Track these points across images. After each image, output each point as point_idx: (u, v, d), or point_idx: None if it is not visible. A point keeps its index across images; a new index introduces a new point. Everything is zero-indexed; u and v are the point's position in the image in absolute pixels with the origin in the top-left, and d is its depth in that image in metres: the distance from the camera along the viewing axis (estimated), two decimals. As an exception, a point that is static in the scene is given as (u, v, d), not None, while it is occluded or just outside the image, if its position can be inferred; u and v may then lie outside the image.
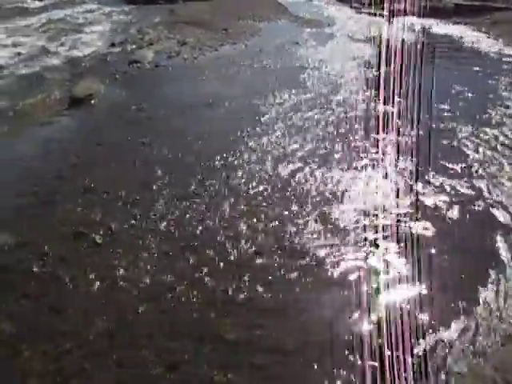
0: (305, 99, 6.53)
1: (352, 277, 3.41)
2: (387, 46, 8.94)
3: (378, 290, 3.30)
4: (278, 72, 7.73)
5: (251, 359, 2.81)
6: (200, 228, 3.93)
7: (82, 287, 3.35)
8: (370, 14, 11.62)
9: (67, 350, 2.88)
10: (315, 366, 2.77)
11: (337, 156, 5.02)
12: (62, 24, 10.76)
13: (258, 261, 3.58)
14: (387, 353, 2.83)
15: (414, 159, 4.92)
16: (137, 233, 3.88)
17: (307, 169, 4.76)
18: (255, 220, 4.01)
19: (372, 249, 3.68)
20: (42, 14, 11.73)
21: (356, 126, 5.65)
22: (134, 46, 8.98)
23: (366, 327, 3.03)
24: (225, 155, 5.01)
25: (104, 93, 6.75)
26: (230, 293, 3.29)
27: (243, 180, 4.58)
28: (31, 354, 2.86)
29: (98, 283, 3.39)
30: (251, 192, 4.40)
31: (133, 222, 4.00)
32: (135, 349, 2.90)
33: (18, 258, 3.59)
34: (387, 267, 3.51)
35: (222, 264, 3.55)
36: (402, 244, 3.72)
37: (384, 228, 3.91)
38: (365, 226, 3.94)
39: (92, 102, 6.46)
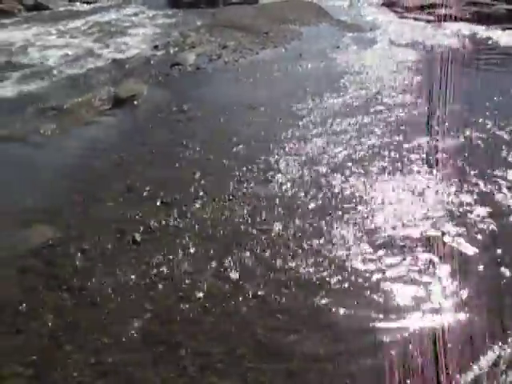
0: (345, 104, 6.44)
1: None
2: (431, 52, 8.71)
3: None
4: (318, 76, 7.67)
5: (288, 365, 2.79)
6: (237, 230, 3.94)
7: (121, 283, 3.43)
8: (415, 19, 11.33)
9: (105, 345, 2.95)
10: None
11: (380, 163, 4.89)
12: (108, 26, 11.09)
13: (294, 264, 3.55)
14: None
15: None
16: (175, 232, 3.93)
17: (347, 174, 4.68)
18: (292, 224, 3.98)
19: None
20: (90, 17, 12.13)
21: (399, 132, 5.52)
22: (176, 49, 9.14)
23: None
24: (263, 158, 5.01)
25: (146, 94, 6.90)
26: (264, 296, 3.27)
27: (281, 184, 4.56)
28: (71, 347, 2.94)
29: (136, 280, 3.45)
30: (289, 195, 4.37)
31: (171, 221, 4.06)
32: (171, 347, 2.92)
33: (62, 253, 3.72)
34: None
35: (257, 267, 3.54)
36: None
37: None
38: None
39: (135, 102, 6.61)
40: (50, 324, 3.11)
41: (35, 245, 3.82)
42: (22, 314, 3.20)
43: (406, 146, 5.21)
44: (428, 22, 10.87)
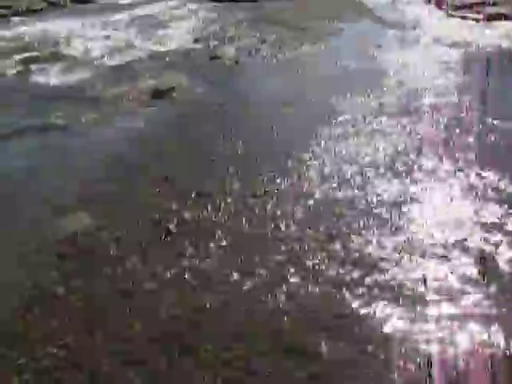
0: (385, 103, 6.27)
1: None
2: (479, 53, 8.37)
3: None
4: (357, 74, 7.51)
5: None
6: (268, 227, 3.89)
7: (153, 273, 3.45)
8: (462, 17, 10.91)
9: (135, 333, 2.97)
10: None
11: (421, 167, 4.70)
12: (150, 19, 11.25)
13: (324, 264, 3.46)
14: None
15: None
16: (209, 225, 3.92)
17: (383, 175, 4.54)
18: (325, 223, 3.89)
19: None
20: (133, 10, 12.35)
21: (441, 135, 5.32)
22: (216, 43, 9.17)
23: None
24: (298, 155, 4.95)
25: (185, 86, 6.95)
26: (295, 294, 3.21)
27: (315, 182, 4.48)
28: (103, 334, 2.98)
29: (168, 271, 3.47)
30: (323, 194, 4.28)
31: (205, 214, 4.06)
32: (198, 340, 2.91)
33: (96, 241, 3.79)
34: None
35: (288, 265, 3.47)
36: None
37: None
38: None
39: (173, 94, 6.67)
40: (83, 310, 3.17)
41: (72, 232, 3.90)
42: (58, 298, 3.27)
43: (449, 147, 5.01)
44: (477, 20, 10.44)
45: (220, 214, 4.05)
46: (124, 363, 2.80)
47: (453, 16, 11.24)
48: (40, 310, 3.20)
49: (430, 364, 2.70)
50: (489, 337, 2.81)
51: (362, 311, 3.06)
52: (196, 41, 9.35)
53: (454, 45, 9.23)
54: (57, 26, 10.82)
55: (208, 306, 3.15)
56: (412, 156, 4.86)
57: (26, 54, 8.78)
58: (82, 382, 2.71)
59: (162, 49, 9.04)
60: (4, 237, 3.92)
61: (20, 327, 3.08)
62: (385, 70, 7.66)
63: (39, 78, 7.65)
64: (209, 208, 4.12)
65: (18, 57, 8.66)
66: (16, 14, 11.92)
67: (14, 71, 8.01)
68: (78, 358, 2.85)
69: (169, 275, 3.43)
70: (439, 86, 6.85)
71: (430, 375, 2.64)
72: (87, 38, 9.85)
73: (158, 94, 6.63)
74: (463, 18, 10.80)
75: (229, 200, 4.23)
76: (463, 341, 2.80)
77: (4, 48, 9.29)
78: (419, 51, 8.89)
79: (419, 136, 5.28)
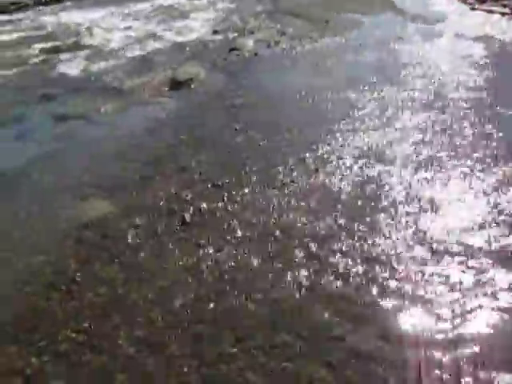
0: (405, 97, 6.18)
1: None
2: (504, 47, 8.17)
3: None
4: (377, 67, 7.40)
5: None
6: (284, 218, 3.91)
7: (169, 262, 3.51)
8: (487, 11, 10.64)
9: (152, 320, 3.04)
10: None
11: (441, 163, 4.63)
12: (170, 10, 11.26)
13: (343, 259, 3.47)
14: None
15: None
16: (223, 216, 3.96)
17: (403, 173, 4.50)
18: (340, 219, 3.88)
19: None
20: (154, 1, 12.36)
21: (463, 130, 5.23)
22: (235, 34, 9.14)
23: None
24: (315, 148, 4.93)
25: (203, 78, 6.97)
26: (310, 285, 3.23)
27: (332, 175, 4.46)
28: (120, 319, 3.06)
29: (183, 259, 3.52)
30: (339, 188, 4.27)
31: (221, 204, 4.09)
32: (212, 329, 2.96)
33: (115, 228, 3.87)
34: None
35: (304, 257, 3.49)
36: None
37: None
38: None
39: (192, 85, 6.70)
40: (101, 295, 3.25)
41: (91, 218, 3.99)
42: (76, 283, 3.36)
43: (471, 144, 4.92)
44: (502, 14, 10.18)
45: (236, 205, 4.08)
46: (141, 347, 2.87)
47: (478, 9, 10.97)
48: (59, 294, 3.29)
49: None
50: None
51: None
52: (215, 32, 9.34)
53: (477, 39, 9.03)
54: (79, 15, 10.93)
55: (223, 295, 3.20)
56: (426, 151, 4.81)
57: (48, 44, 8.91)
58: (99, 365, 2.80)
59: (182, 40, 9.05)
60: (25, 222, 4.01)
61: (40, 311, 3.18)
62: (405, 63, 7.54)
63: (61, 68, 7.76)
64: (225, 199, 4.16)
65: (40, 46, 8.79)
66: (38, 3, 12.07)
67: (37, 60, 8.13)
68: (96, 341, 2.93)
69: (184, 263, 3.48)
70: (460, 81, 6.72)
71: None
72: (108, 28, 9.93)
73: (176, 85, 6.67)
74: (488, 11, 10.53)
75: (245, 191, 4.25)
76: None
77: (27, 38, 9.43)
78: (441, 45, 8.72)
79: (434, 131, 5.21)
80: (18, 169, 4.80)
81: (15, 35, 9.52)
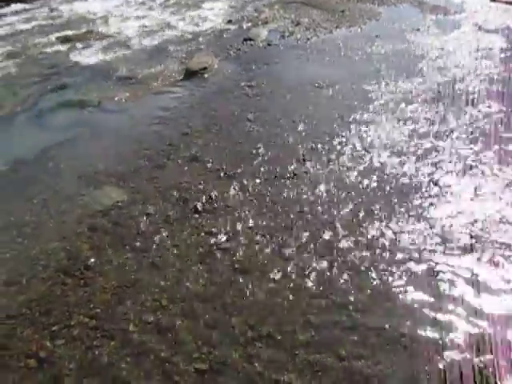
0: (420, 90, 6.10)
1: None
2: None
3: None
4: (393, 59, 7.30)
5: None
6: (296, 209, 3.90)
7: (181, 249, 3.53)
8: (507, 2, 10.39)
9: (163, 306, 3.07)
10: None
11: (454, 156, 4.59)
12: (185, 0, 11.22)
13: (352, 247, 3.45)
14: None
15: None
16: (235, 205, 3.97)
17: (413, 163, 4.45)
18: (352, 207, 3.86)
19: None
20: (168, -10, 12.31)
21: (480, 123, 5.13)
22: (249, 24, 9.09)
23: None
24: (328, 139, 4.90)
25: (217, 67, 6.95)
26: (321, 274, 3.22)
27: (344, 166, 4.43)
28: (132, 305, 3.09)
29: (195, 248, 3.54)
30: (351, 179, 4.24)
31: (232, 193, 4.10)
32: (224, 315, 2.98)
33: (128, 215, 3.91)
34: None
35: (315, 245, 3.48)
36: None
37: None
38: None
39: (205, 75, 6.69)
40: (113, 281, 3.29)
41: (104, 205, 4.03)
42: (90, 269, 3.40)
43: (489, 139, 4.84)
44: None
45: (247, 194, 4.08)
46: (152, 333, 2.90)
47: (497, 1, 10.72)
48: (72, 280, 3.33)
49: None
50: None
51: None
52: (229, 22, 9.28)
53: (496, 31, 8.84)
54: (94, 5, 10.95)
55: (234, 283, 3.22)
56: (442, 144, 4.74)
57: (64, 33, 8.95)
58: (111, 349, 2.84)
59: (196, 29, 9.02)
60: (40, 209, 4.06)
61: (54, 296, 3.22)
62: (422, 55, 7.42)
63: (76, 57, 7.79)
64: (236, 188, 4.16)
65: (55, 35, 8.84)
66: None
67: (52, 49, 8.18)
68: (108, 326, 2.98)
69: (195, 251, 3.50)
70: (479, 73, 6.59)
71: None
72: (123, 17, 9.93)
73: (190, 74, 6.67)
74: (508, 3, 10.28)
75: (257, 181, 4.25)
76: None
77: (42, 26, 9.49)
78: (459, 36, 8.55)
79: (451, 124, 5.13)
80: (34, 156, 4.85)
81: (31, 24, 9.58)
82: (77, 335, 2.94)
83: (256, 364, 2.68)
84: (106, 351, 2.83)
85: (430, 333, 2.82)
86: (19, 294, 3.26)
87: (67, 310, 3.11)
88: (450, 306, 2.98)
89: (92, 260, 3.47)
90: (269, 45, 7.97)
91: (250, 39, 8.13)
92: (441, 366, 2.64)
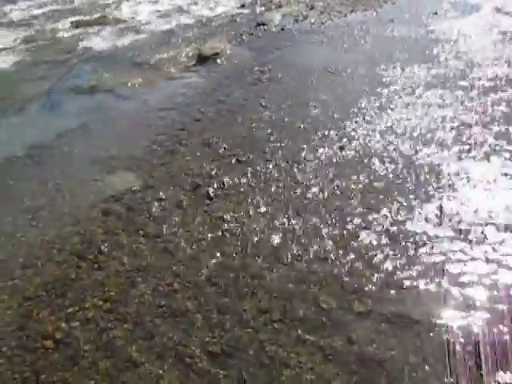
0: (437, 75, 5.96)
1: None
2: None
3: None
4: (409, 43, 7.15)
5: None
6: (307, 195, 3.88)
7: (193, 234, 3.55)
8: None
9: (175, 290, 3.10)
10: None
11: (472, 142, 4.48)
12: (198, -16, 11.10)
13: (362, 234, 3.43)
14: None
15: None
16: (247, 191, 3.97)
17: (428, 150, 4.37)
18: (364, 196, 3.82)
19: None
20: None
21: (498, 110, 5.01)
22: (262, 8, 8.97)
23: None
24: (341, 125, 4.84)
25: (230, 52, 6.89)
26: (331, 259, 3.22)
27: (357, 154, 4.38)
28: (145, 288, 3.13)
29: (207, 233, 3.55)
30: (363, 166, 4.19)
31: (244, 179, 4.09)
32: (235, 299, 3.00)
33: (141, 201, 3.94)
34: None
35: (325, 231, 3.47)
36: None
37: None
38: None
39: (218, 60, 6.64)
40: (127, 265, 3.33)
41: (117, 190, 4.07)
42: (103, 253, 3.45)
43: (505, 125, 4.72)
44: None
45: (259, 180, 4.07)
46: (165, 316, 2.94)
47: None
48: (87, 263, 3.38)
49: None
50: None
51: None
52: (242, 6, 9.18)
53: (516, 13, 8.58)
54: (106, -10, 10.93)
55: (246, 268, 3.23)
56: (458, 131, 4.64)
57: (77, 18, 8.96)
58: (125, 332, 2.88)
59: (208, 14, 8.95)
60: (55, 194, 4.12)
61: (69, 279, 3.28)
62: (438, 39, 7.25)
63: (89, 42, 7.80)
64: (248, 174, 4.15)
65: (69, 20, 8.85)
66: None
67: (66, 35, 8.20)
68: (122, 309, 3.02)
69: (207, 237, 3.52)
70: (498, 58, 6.42)
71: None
72: (136, 2, 9.89)
73: (202, 60, 6.63)
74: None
75: (269, 166, 4.23)
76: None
77: (56, 11, 9.51)
78: (478, 20, 8.33)
79: (468, 111, 5.02)
80: (48, 142, 4.90)
81: (44, 9, 9.60)
82: (91, 317, 2.99)
83: (267, 348, 2.69)
84: (119, 333, 2.87)
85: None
86: (35, 277, 3.32)
87: (82, 292, 3.17)
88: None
89: (106, 244, 3.51)
90: (282, 29, 7.87)
91: (263, 24, 8.04)
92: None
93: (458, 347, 2.63)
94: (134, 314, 2.98)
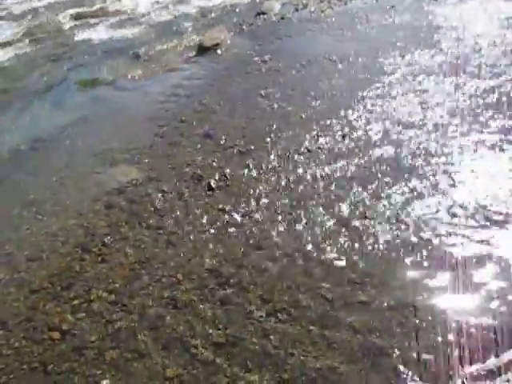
0: (439, 62, 5.88)
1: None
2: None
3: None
4: (409, 31, 7.04)
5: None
6: (310, 185, 3.85)
7: (196, 226, 3.54)
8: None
9: (179, 281, 3.10)
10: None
11: (474, 129, 4.42)
12: (197, -27, 10.96)
13: (366, 222, 3.40)
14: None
15: None
16: (249, 182, 3.95)
17: (434, 138, 4.32)
18: (367, 185, 3.79)
19: None
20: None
21: (501, 96, 4.94)
22: (262, -3, 8.86)
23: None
24: (343, 114, 4.79)
25: (230, 43, 6.83)
26: (334, 253, 3.20)
27: (359, 142, 4.34)
28: (149, 280, 3.14)
29: (209, 225, 3.55)
30: (367, 155, 4.15)
31: (246, 171, 4.07)
32: (238, 290, 3.00)
33: (143, 193, 3.94)
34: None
35: (327, 222, 3.45)
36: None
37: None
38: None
39: (218, 51, 6.58)
40: (130, 257, 3.33)
41: (120, 183, 4.06)
42: (107, 245, 3.45)
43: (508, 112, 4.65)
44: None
45: (261, 171, 4.05)
46: (168, 308, 2.95)
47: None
48: (90, 256, 3.39)
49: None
50: None
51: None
52: (242, -5, 9.07)
53: (518, -2, 8.43)
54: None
55: (249, 259, 3.22)
56: (460, 118, 4.59)
57: (77, 10, 8.88)
58: (130, 323, 2.89)
59: (208, 4, 8.85)
60: (57, 187, 4.11)
61: (73, 271, 3.29)
62: (439, 25, 7.14)
63: (89, 34, 7.75)
64: (250, 165, 4.13)
65: (69, 12, 8.78)
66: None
67: (66, 27, 8.14)
68: (126, 301, 3.03)
69: (210, 228, 3.51)
70: (497, 45, 6.33)
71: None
72: (135, -7, 9.79)
73: (202, 50, 6.57)
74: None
75: (271, 157, 4.20)
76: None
77: (56, 3, 9.42)
78: (480, 5, 8.19)
79: (470, 97, 4.95)
80: (50, 135, 4.89)
81: (44, 2, 9.51)
82: (97, 309, 3.00)
83: (272, 337, 2.70)
84: (125, 325, 2.88)
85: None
86: (41, 269, 3.34)
87: (86, 284, 3.18)
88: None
89: (109, 237, 3.52)
90: (282, 18, 7.78)
91: (263, 13, 7.94)
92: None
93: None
94: (138, 306, 2.99)
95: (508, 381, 2.38)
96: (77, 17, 8.50)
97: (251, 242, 3.36)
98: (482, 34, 6.74)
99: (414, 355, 2.54)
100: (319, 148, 4.29)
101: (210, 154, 4.30)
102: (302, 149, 4.29)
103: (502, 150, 4.05)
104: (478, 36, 6.66)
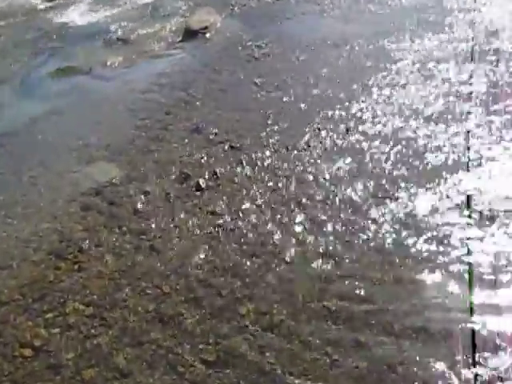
0: (450, 47, 5.91)
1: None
2: None
3: None
4: (417, 14, 7.05)
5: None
6: (307, 183, 3.86)
7: (182, 230, 3.54)
8: None
9: (164, 292, 3.10)
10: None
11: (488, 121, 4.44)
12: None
13: (366, 222, 3.41)
14: None
15: None
16: (242, 181, 3.95)
17: (443, 129, 4.34)
18: (370, 182, 3.80)
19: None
20: None
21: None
22: (255, -25, 8.84)
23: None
24: (346, 104, 4.80)
25: (220, 26, 6.82)
26: (332, 253, 3.21)
27: (364, 136, 4.34)
28: (131, 291, 3.14)
29: (198, 228, 3.54)
30: (372, 150, 4.15)
31: (238, 168, 4.07)
32: (230, 302, 3.00)
33: (124, 194, 3.94)
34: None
35: (325, 223, 3.46)
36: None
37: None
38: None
39: (207, 35, 6.57)
40: (110, 265, 3.32)
41: (98, 183, 4.06)
42: (84, 252, 3.44)
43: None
44: None
45: (255, 169, 4.05)
46: (153, 321, 2.93)
47: None
48: (66, 264, 3.38)
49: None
50: None
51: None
52: (234, -27, 9.06)
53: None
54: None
55: (241, 266, 3.22)
56: (474, 107, 4.61)
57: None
58: (110, 339, 2.88)
59: (196, -18, 8.82)
60: (29, 187, 4.09)
61: (47, 281, 3.28)
62: (451, 8, 7.15)
63: (63, 17, 7.72)
64: (243, 162, 4.13)
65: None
66: None
67: (37, 9, 8.10)
68: (107, 314, 3.02)
69: (198, 233, 3.50)
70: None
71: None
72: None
73: (189, 35, 6.56)
74: None
75: (266, 153, 4.20)
76: None
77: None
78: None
79: (483, 85, 4.97)
80: (20, 129, 4.87)
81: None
82: (73, 323, 3.00)
83: (268, 354, 2.69)
84: (105, 340, 2.88)
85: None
86: (10, 279, 3.33)
87: (61, 296, 3.17)
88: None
89: (86, 242, 3.50)
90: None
91: (256, -7, 7.93)
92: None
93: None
94: (119, 320, 2.97)
95: None
96: (49, -1, 8.46)
97: (245, 248, 3.35)
98: (495, 18, 6.76)
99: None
100: (320, 143, 4.29)
101: (199, 150, 4.29)
102: (301, 144, 4.29)
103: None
104: (491, 21, 6.67)
